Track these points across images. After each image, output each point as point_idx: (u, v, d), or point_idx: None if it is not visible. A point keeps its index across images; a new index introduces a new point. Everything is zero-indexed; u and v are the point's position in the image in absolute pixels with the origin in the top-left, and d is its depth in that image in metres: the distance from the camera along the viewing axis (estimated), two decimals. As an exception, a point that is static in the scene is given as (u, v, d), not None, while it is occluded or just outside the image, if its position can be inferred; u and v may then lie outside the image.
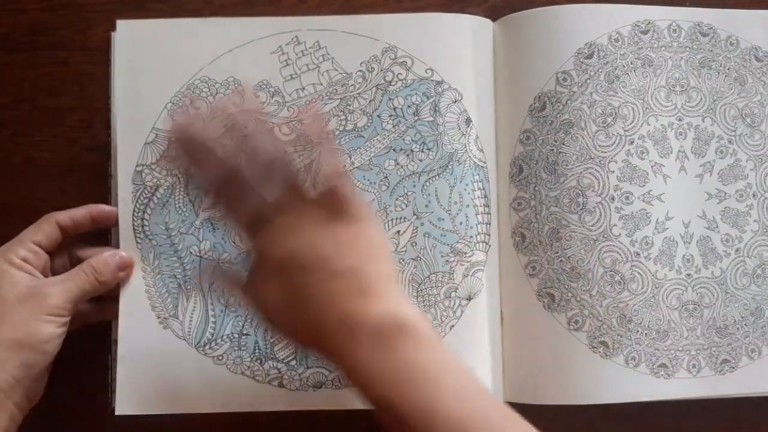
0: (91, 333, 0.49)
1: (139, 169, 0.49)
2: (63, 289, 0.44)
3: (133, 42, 0.50)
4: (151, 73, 0.50)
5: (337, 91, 0.50)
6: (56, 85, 0.52)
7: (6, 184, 0.52)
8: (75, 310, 0.45)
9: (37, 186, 0.52)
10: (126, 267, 0.48)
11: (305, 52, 0.50)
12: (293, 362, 0.48)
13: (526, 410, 0.48)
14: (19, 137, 0.52)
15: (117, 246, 0.49)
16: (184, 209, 0.49)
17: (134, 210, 0.49)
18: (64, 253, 0.48)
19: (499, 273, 0.50)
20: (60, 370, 0.47)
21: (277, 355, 0.49)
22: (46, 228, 0.46)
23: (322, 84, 0.50)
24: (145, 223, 0.49)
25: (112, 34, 0.51)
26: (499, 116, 0.51)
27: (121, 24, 0.50)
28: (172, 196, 0.49)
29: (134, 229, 0.49)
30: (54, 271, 0.47)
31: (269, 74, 0.50)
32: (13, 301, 0.43)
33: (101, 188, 0.51)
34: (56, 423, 0.51)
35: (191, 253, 0.49)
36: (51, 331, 0.43)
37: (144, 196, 0.49)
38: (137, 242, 0.49)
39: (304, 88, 0.50)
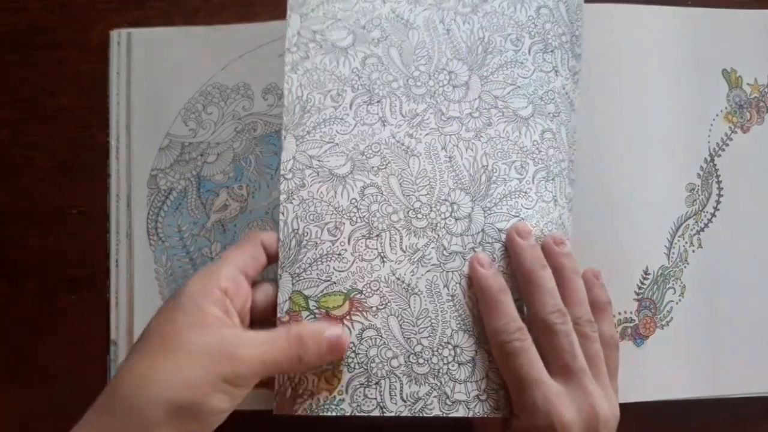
0: (91, 334, 0.49)
1: (153, 173, 0.50)
2: (256, 357, 0.34)
3: (148, 50, 0.50)
4: (165, 81, 0.50)
5: (339, 90, 0.50)
6: (55, 85, 0.52)
7: (5, 184, 0.51)
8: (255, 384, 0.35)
9: (35, 186, 0.51)
10: (338, 350, 0.37)
11: (310, 52, 0.50)
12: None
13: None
14: (18, 137, 0.51)
15: (130, 249, 0.49)
16: (196, 212, 0.49)
17: (149, 213, 0.49)
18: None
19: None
20: (59, 372, 0.47)
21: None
22: (252, 251, 0.37)
23: (325, 83, 0.50)
24: (159, 225, 0.49)
25: (111, 33, 0.50)
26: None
27: (136, 32, 0.50)
28: (185, 200, 0.49)
29: (148, 232, 0.49)
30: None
31: (277, 77, 0.50)
32: (194, 352, 0.32)
33: (100, 188, 0.50)
34: (55, 424, 0.51)
35: (202, 254, 0.49)
36: (224, 405, 0.33)
37: (158, 199, 0.49)
38: (150, 244, 0.49)
39: (308, 88, 0.50)
